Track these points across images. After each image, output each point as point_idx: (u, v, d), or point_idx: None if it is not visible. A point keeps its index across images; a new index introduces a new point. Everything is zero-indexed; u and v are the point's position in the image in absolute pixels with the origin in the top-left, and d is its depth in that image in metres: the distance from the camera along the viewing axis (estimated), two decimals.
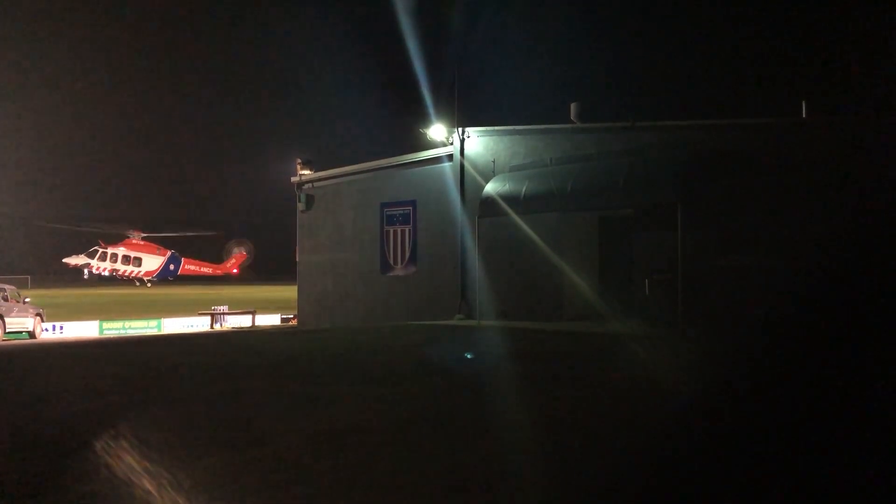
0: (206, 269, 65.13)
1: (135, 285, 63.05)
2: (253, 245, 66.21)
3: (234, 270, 65.86)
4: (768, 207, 14.31)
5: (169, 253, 61.23)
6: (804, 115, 15.62)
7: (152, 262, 59.87)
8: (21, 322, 26.37)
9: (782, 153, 14.69)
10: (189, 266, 62.93)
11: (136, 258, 58.93)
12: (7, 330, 24.99)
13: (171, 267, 61.28)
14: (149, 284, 62.12)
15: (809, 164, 14.13)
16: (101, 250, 57.59)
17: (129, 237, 60.33)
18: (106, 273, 58.88)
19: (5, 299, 25.47)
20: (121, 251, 58.46)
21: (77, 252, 59.25)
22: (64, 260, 59.41)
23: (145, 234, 61.50)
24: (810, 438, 5.91)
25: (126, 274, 59.47)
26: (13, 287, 27.82)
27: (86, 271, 59.05)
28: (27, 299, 27.79)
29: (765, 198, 14.41)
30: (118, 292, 71.64)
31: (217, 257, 67.07)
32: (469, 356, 11.46)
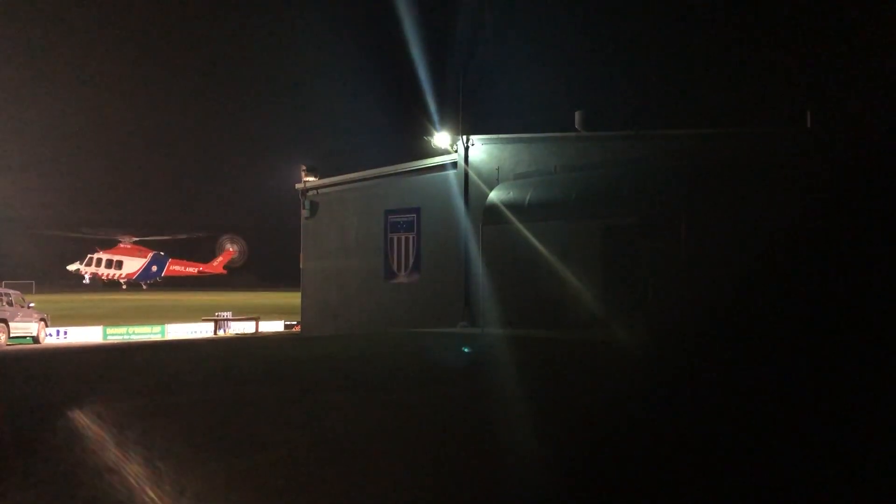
0: (192, 269, 64.96)
1: (134, 289, 63.59)
2: (244, 242, 65.69)
3: (222, 269, 65.40)
4: (774, 217, 14.28)
5: (151, 254, 61.51)
6: (809, 125, 15.61)
7: (132, 265, 60.43)
8: (25, 327, 26.42)
9: (787, 162, 14.68)
10: (174, 267, 63.05)
11: (117, 261, 59.73)
12: (11, 335, 25.04)
13: (154, 268, 61.52)
14: (124, 286, 62.54)
15: (814, 173, 14.12)
16: (88, 256, 59.25)
17: (119, 241, 61.06)
18: (92, 276, 60.13)
19: (10, 304, 25.53)
20: (104, 256, 59.50)
21: (79, 257, 60.77)
22: (67, 267, 61.15)
23: (137, 238, 62.00)
24: (803, 438, 5.90)
25: (108, 277, 60.30)
26: (18, 292, 27.88)
27: (86, 277, 60.20)
28: (31, 304, 27.85)
29: (771, 207, 14.38)
30: (123, 298, 71.76)
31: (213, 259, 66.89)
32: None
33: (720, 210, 14.86)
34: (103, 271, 59.95)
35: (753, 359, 11.48)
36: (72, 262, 61.46)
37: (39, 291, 71.34)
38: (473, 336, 16.85)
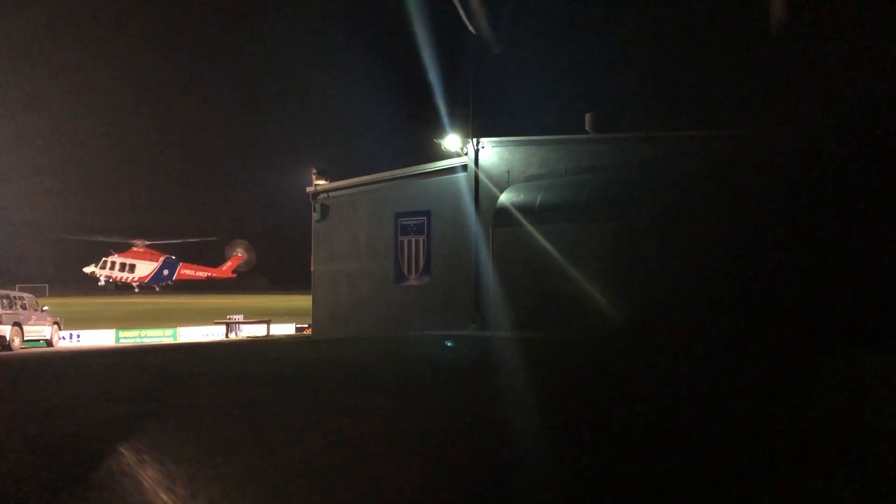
0: (202, 273, 65.65)
1: (146, 292, 64.39)
2: (253, 246, 66.21)
3: (231, 273, 66.02)
4: (788, 217, 14.19)
5: (162, 258, 62.28)
6: (817, 125, 15.48)
7: (144, 268, 61.36)
8: (38, 330, 26.59)
9: (800, 162, 14.57)
10: (185, 270, 63.80)
11: (130, 265, 60.72)
12: (25, 338, 25.20)
13: (166, 272, 62.41)
14: (136, 290, 63.36)
15: (826, 172, 14.02)
16: (103, 259, 60.47)
17: (133, 245, 61.93)
18: (107, 279, 61.24)
19: (23, 308, 25.70)
20: (118, 259, 60.54)
21: (92, 260, 61.79)
22: (83, 269, 62.31)
23: (149, 242, 62.81)
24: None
25: (121, 280, 61.29)
26: (31, 296, 28.06)
27: (101, 279, 61.19)
28: (45, 308, 28.03)
29: (784, 208, 14.29)
30: (135, 301, 72.21)
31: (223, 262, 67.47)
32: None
33: (732, 211, 14.77)
34: (117, 274, 60.91)
35: (770, 359, 11.40)
36: (85, 266, 62.46)
37: (53, 295, 71.90)
38: (484, 338, 16.84)
